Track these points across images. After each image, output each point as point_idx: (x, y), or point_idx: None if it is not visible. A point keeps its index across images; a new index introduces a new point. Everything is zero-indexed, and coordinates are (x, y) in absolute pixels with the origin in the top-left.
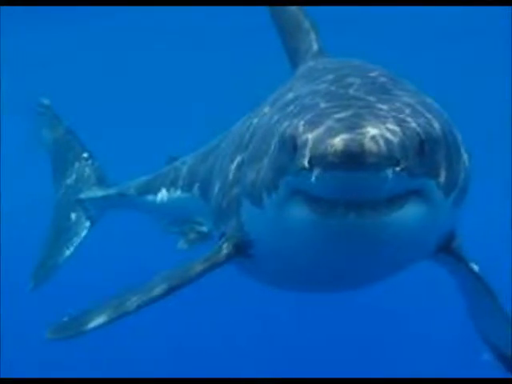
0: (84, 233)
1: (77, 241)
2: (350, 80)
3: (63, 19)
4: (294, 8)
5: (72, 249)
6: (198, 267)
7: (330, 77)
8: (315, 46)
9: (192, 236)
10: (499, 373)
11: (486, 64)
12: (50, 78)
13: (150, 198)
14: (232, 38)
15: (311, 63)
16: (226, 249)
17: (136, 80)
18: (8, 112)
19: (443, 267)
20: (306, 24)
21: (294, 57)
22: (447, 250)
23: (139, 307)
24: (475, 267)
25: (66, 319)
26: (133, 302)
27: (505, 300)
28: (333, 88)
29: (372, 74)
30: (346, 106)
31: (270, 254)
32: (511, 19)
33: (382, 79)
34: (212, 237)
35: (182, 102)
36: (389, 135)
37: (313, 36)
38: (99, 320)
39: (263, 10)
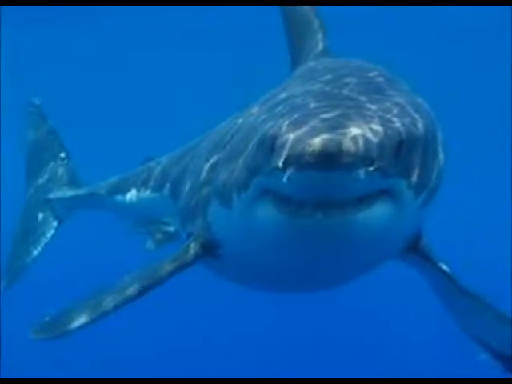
0: (51, 232)
1: (44, 241)
2: (347, 80)
3: (58, 19)
4: (306, 8)
5: (39, 248)
6: (168, 267)
7: (328, 77)
8: (320, 46)
9: (159, 236)
10: (492, 373)
11: (486, 64)
12: (41, 78)
13: (119, 197)
14: (229, 38)
15: (312, 63)
16: (193, 248)
17: (134, 80)
18: (8, 112)
19: (413, 268)
20: (316, 24)
21: (298, 56)
22: (414, 249)
23: (116, 307)
24: (445, 267)
25: (47, 319)
26: (109, 302)
27: (505, 300)
28: (327, 88)
29: (370, 74)
30: (335, 106)
31: (238, 254)
32: (511, 19)
33: (379, 79)
34: (179, 237)
35: (179, 103)
36: (370, 135)
37: (320, 36)
38: (81, 320)
39: (260, 11)
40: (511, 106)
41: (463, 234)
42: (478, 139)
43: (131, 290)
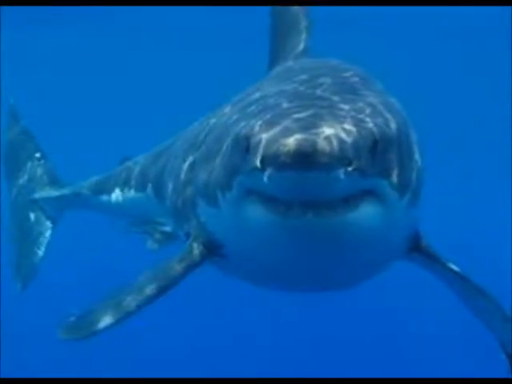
0: (49, 232)
1: (44, 240)
2: (321, 80)
3: (58, 19)
4: (296, 8)
5: (43, 248)
6: (177, 268)
7: (303, 77)
8: (301, 46)
9: (158, 236)
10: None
11: (485, 64)
12: (41, 78)
13: (104, 197)
14: (228, 38)
15: (289, 63)
16: (197, 248)
17: (133, 80)
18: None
19: (425, 270)
20: (303, 24)
21: (277, 56)
22: (418, 250)
23: (139, 307)
24: (454, 267)
25: (73, 319)
26: (130, 302)
27: (505, 299)
28: (301, 88)
29: (345, 74)
30: (308, 106)
31: (240, 254)
32: (511, 19)
33: (354, 79)
34: (178, 236)
35: (178, 103)
36: (343, 135)
37: (303, 36)
38: (106, 321)
39: (260, 11)
40: (511, 105)
41: (463, 233)
42: (478, 139)
43: (149, 291)
